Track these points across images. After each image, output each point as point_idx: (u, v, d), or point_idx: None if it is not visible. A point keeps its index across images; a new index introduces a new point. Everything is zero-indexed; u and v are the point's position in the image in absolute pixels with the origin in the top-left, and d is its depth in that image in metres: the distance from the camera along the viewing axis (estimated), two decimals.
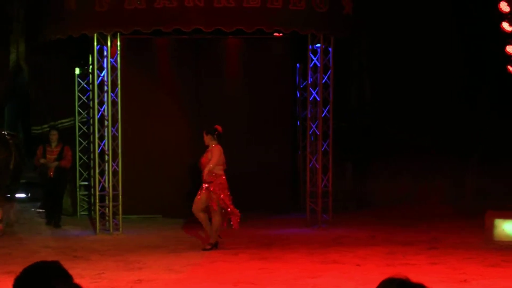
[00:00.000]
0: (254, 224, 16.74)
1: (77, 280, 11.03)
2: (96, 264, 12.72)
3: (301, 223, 17.26)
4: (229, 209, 13.96)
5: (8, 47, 18.42)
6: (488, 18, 17.08)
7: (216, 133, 14.17)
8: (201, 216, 14.17)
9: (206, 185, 14.00)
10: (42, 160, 17.00)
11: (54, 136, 17.20)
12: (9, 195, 16.63)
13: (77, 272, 11.81)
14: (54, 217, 17.13)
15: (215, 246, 14.14)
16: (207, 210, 14.10)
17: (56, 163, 16.96)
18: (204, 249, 14.07)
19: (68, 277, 3.71)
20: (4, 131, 16.93)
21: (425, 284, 3.26)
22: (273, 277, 11.43)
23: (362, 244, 14.51)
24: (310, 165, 17.25)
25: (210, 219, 14.16)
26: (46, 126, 18.52)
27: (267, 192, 18.91)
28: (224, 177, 14.10)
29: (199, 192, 14.20)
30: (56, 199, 17.37)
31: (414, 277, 10.21)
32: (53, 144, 17.18)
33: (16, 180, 16.94)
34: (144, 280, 11.27)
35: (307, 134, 17.42)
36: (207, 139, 14.20)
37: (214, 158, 13.96)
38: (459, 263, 12.42)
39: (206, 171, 13.92)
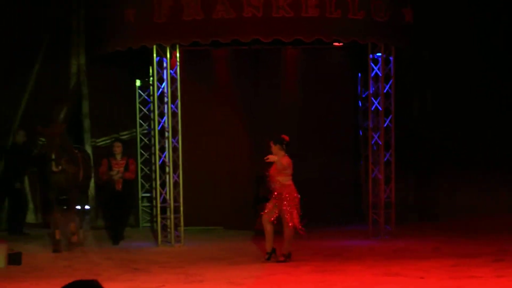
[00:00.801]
0: (316, 235, 16.59)
1: None
2: (156, 276, 12.66)
3: (364, 234, 17.10)
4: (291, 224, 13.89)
5: (69, 59, 18.60)
6: None
7: (284, 143, 14.08)
8: (268, 228, 14.11)
9: (277, 197, 13.98)
10: (113, 172, 16.58)
11: (118, 148, 16.84)
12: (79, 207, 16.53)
13: (137, 284, 11.88)
14: (118, 231, 16.76)
15: (289, 257, 14.04)
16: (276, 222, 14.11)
17: (120, 175, 16.56)
18: (278, 261, 13.93)
19: None
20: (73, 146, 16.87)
21: None
22: None
23: (425, 256, 14.25)
24: (373, 176, 17.08)
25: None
26: (107, 138, 18.70)
27: (329, 203, 18.82)
28: (293, 187, 14.04)
29: (269, 204, 14.16)
30: (123, 212, 16.97)
31: None
32: (118, 157, 16.75)
33: (83, 194, 16.98)
34: None
35: (369, 144, 17.23)
36: (275, 149, 14.05)
37: (290, 169, 13.90)
38: None
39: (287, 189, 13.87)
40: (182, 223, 16.38)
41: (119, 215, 16.85)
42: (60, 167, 14.86)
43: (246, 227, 18.22)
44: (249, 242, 16.61)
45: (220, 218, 18.89)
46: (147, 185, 18.89)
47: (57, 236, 15.19)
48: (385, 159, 16.90)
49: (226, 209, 18.79)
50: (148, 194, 18.90)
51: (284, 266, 13.50)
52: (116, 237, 16.60)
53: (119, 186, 16.59)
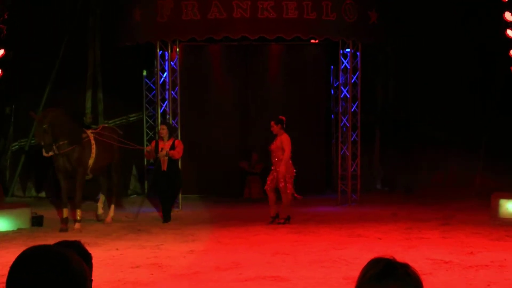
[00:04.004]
0: (294, 202, 16.61)
1: (138, 250, 11.09)
2: (157, 236, 12.70)
3: (334, 202, 17.22)
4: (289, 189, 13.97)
5: (86, 52, 18.56)
6: (496, 26, 16.80)
7: (284, 123, 14.09)
8: (271, 195, 14.19)
9: (277, 169, 14.04)
10: (148, 150, 15.10)
11: (163, 130, 14.91)
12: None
13: (140, 243, 11.92)
14: (167, 209, 14.94)
15: (287, 220, 14.15)
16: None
17: (164, 153, 14.57)
18: (279, 223, 14.03)
19: (87, 255, 3.57)
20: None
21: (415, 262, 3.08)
22: (306, 248, 11.31)
23: (384, 221, 14.32)
24: (341, 153, 17.17)
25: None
26: (117, 119, 18.71)
27: (306, 175, 18.83)
28: (290, 161, 14.07)
29: (270, 175, 14.23)
30: (173, 193, 15.10)
31: (427, 249, 10.06)
32: (165, 139, 14.80)
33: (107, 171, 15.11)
34: (196, 250, 11.21)
35: (339, 126, 17.34)
36: (276, 128, 14.10)
37: (287, 149, 13.93)
38: (467, 237, 12.17)
39: (283, 164, 13.89)
40: (180, 192, 16.38)
41: (166, 194, 14.97)
42: (50, 153, 13.23)
43: (236, 196, 18.31)
44: (238, 209, 16.63)
45: (214, 187, 18.92)
46: (151, 160, 18.80)
47: (64, 215, 13.54)
48: (352, 138, 16.98)
49: (219, 180, 18.83)
50: (151, 167, 18.78)
51: (265, 229, 13.55)
52: (165, 217, 14.81)
53: (164, 167, 14.76)
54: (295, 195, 14.17)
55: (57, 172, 13.77)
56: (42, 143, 13.12)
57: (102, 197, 15.02)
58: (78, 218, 13.61)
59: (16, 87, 18.30)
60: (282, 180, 13.92)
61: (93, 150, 13.97)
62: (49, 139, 13.06)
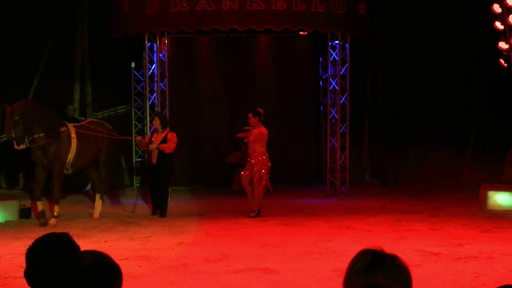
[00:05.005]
0: (283, 195, 16.69)
1: (127, 242, 11.06)
2: (145, 228, 12.66)
3: (323, 194, 17.23)
4: (263, 183, 13.92)
5: (74, 44, 18.46)
6: (483, 18, 16.86)
7: (261, 115, 14.09)
8: (248, 188, 14.15)
9: (252, 161, 13.97)
10: (138, 138, 15.09)
11: (155, 122, 14.42)
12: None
13: (128, 235, 11.90)
14: (158, 206, 14.44)
15: (258, 214, 14.07)
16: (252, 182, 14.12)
17: (154, 146, 14.16)
18: (249, 217, 13.94)
19: (75, 247, 3.55)
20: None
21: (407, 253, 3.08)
22: (295, 241, 11.31)
23: (373, 213, 14.33)
24: (330, 145, 17.19)
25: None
26: (106, 111, 18.66)
27: (294, 167, 18.91)
28: (266, 154, 14.04)
29: (246, 167, 14.20)
30: (160, 187, 14.42)
31: (416, 241, 10.07)
32: (160, 130, 14.38)
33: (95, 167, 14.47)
34: (185, 243, 11.19)
35: (327, 118, 17.36)
36: (254, 120, 14.06)
37: (263, 139, 13.95)
38: (456, 229, 12.21)
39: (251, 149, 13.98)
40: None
41: (155, 187, 14.60)
42: (22, 146, 12.50)
43: (223, 187, 18.29)
44: (226, 200, 16.59)
45: (202, 179, 18.88)
46: (140, 151, 18.76)
47: (39, 208, 12.94)
48: (341, 130, 17.00)
49: (208, 172, 18.81)
50: (141, 159, 18.78)
51: (254, 221, 13.54)
52: (154, 208, 14.55)
53: (153, 160, 14.32)
54: (269, 187, 14.09)
55: (35, 165, 13.19)
56: (13, 135, 12.38)
57: (97, 197, 14.14)
58: (56, 214, 13.10)
59: (4, 80, 18.18)
60: (257, 174, 13.89)
61: (73, 145, 13.32)
62: (20, 131, 12.40)
